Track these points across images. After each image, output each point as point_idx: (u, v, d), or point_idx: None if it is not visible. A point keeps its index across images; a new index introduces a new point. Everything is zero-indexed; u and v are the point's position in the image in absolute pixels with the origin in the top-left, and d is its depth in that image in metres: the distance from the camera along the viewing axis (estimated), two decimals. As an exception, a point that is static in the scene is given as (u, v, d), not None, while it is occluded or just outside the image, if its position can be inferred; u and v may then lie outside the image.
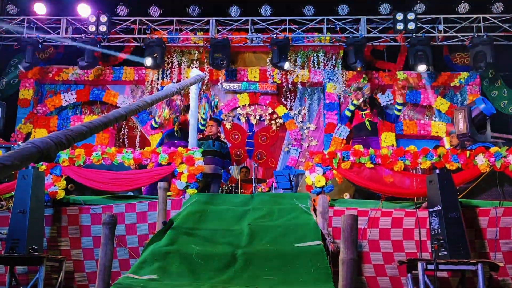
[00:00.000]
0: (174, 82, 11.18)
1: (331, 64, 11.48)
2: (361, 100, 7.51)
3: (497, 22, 10.65)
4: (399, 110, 7.85)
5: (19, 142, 9.11)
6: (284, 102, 11.61)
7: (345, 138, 10.94)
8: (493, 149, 5.96)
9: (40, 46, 10.92)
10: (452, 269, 5.18)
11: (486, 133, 6.84)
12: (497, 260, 5.18)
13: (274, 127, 11.62)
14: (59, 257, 5.74)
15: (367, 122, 7.48)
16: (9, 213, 5.81)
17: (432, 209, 5.24)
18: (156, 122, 7.58)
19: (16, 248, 5.35)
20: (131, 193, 6.80)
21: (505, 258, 5.37)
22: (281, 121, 11.57)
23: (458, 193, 5.58)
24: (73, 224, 6.07)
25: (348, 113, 7.77)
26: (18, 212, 5.52)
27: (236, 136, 11.67)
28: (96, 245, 5.88)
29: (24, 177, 5.71)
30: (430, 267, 4.88)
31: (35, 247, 5.38)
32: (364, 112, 7.60)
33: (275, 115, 11.62)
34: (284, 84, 11.52)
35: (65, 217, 6.10)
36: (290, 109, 11.58)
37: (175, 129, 7.53)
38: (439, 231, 5.07)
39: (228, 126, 11.57)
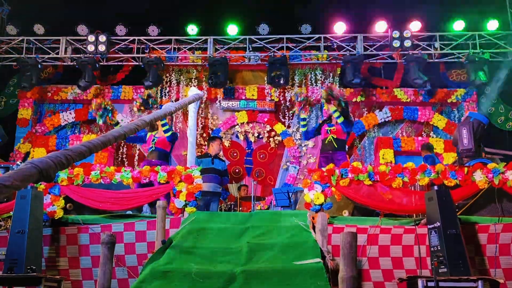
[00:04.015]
0: (172, 101, 11.24)
1: (329, 82, 11.56)
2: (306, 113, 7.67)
3: (492, 39, 10.75)
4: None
5: (18, 162, 9.11)
6: (282, 120, 11.66)
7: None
8: (491, 165, 5.97)
9: (39, 66, 10.99)
10: (452, 286, 5.15)
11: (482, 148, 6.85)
12: (497, 277, 5.16)
13: (272, 145, 11.65)
14: (58, 277, 5.70)
15: (330, 138, 7.49)
16: (7, 233, 5.79)
17: (431, 226, 5.24)
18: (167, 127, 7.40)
19: (14, 268, 5.32)
20: (130, 212, 6.78)
21: (505, 274, 5.35)
22: (279, 138, 11.61)
23: (457, 210, 5.58)
24: (72, 244, 6.04)
25: (303, 129, 7.92)
26: (16, 232, 5.50)
27: (235, 154, 11.69)
28: (95, 265, 5.85)
29: (22, 197, 5.70)
30: (430, 284, 4.85)
31: (34, 267, 5.35)
32: (330, 128, 7.59)
33: (273, 133, 11.66)
34: (282, 101, 11.59)
35: (64, 236, 6.08)
36: (288, 127, 11.62)
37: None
38: (439, 248, 5.06)
39: (226, 144, 11.60)
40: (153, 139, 7.48)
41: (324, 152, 7.60)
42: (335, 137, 7.46)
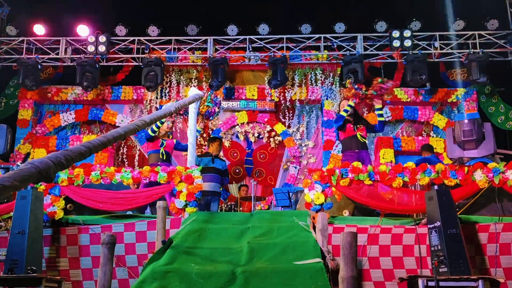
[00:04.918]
0: (172, 101, 11.24)
1: (329, 82, 11.57)
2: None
3: (492, 39, 10.74)
4: (381, 116, 7.37)
5: (18, 163, 9.11)
6: (283, 120, 11.66)
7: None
8: (491, 165, 5.96)
9: (39, 66, 10.98)
10: (453, 286, 5.14)
11: (486, 145, 6.79)
12: (497, 276, 5.16)
13: (272, 145, 11.64)
14: (58, 277, 5.70)
15: (358, 136, 7.22)
16: (8, 234, 5.79)
17: (431, 226, 5.23)
18: (153, 131, 7.67)
19: (14, 269, 5.32)
20: (130, 213, 6.78)
21: (505, 274, 5.34)
22: (279, 138, 11.61)
23: (457, 209, 5.57)
24: (72, 244, 6.04)
25: (344, 113, 7.19)
26: (17, 233, 5.50)
27: (235, 154, 11.69)
28: (95, 265, 5.85)
29: (23, 197, 5.70)
30: (431, 284, 4.85)
31: (34, 268, 5.35)
32: (356, 126, 7.38)
33: (273, 133, 11.66)
34: (282, 101, 11.59)
35: (64, 237, 6.08)
36: (289, 127, 11.62)
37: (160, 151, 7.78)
38: (439, 248, 5.05)
39: (226, 144, 11.60)
40: (162, 143, 7.82)
41: (349, 150, 7.22)
42: (361, 134, 7.29)
